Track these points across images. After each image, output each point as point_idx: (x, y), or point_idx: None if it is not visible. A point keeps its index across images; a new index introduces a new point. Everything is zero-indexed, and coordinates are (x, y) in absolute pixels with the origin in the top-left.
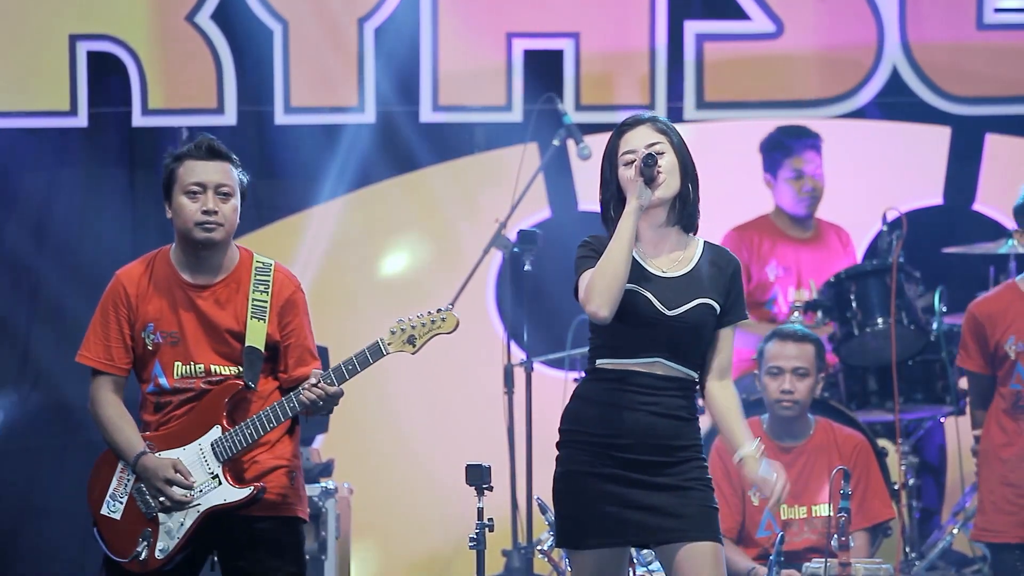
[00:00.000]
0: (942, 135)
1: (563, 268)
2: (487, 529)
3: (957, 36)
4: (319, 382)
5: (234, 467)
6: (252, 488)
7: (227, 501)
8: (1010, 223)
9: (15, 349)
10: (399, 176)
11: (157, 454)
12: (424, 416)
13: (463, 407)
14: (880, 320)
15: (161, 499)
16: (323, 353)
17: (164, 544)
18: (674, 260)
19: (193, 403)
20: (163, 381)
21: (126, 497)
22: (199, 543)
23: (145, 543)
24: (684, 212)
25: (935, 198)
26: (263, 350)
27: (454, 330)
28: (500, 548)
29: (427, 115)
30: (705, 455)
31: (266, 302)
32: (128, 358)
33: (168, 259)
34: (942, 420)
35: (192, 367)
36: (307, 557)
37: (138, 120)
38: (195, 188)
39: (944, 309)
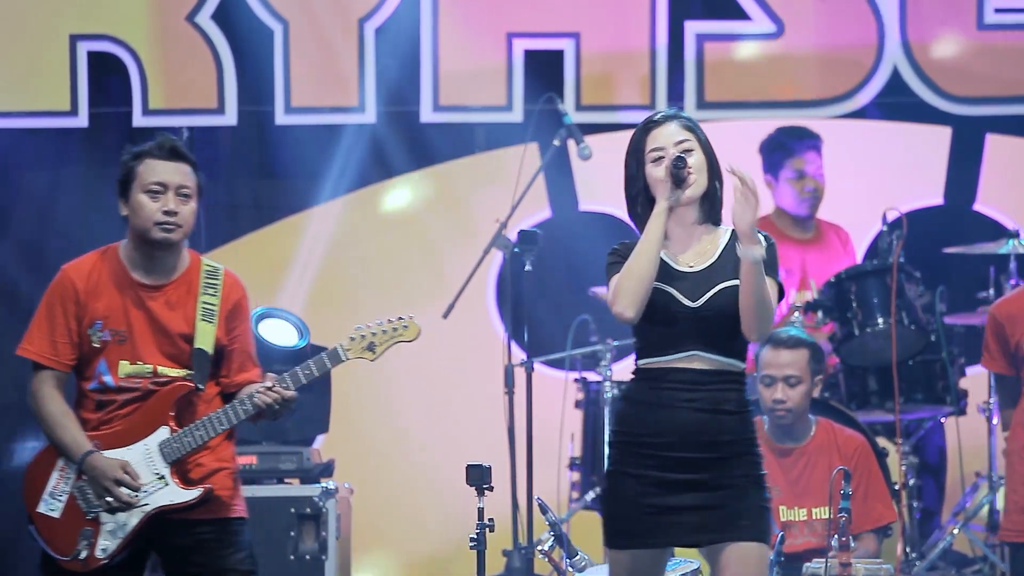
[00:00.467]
0: (942, 135)
1: (563, 268)
2: (488, 529)
3: (958, 36)
4: (275, 386)
5: (180, 468)
6: (201, 489)
7: (175, 502)
8: (1011, 223)
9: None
10: (399, 176)
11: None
12: (424, 416)
13: (463, 407)
14: (880, 320)
15: (108, 499)
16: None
17: (106, 544)
18: (700, 254)
19: (139, 403)
20: (108, 379)
21: (66, 495)
22: (139, 543)
23: (86, 542)
24: (712, 209)
25: (935, 198)
26: (211, 353)
27: (415, 339)
28: (501, 548)
29: (427, 115)
30: (758, 450)
31: (215, 305)
32: (73, 354)
33: (118, 257)
34: (942, 420)
35: (140, 367)
36: (308, 558)
37: (139, 120)
38: (156, 188)
39: (944, 309)
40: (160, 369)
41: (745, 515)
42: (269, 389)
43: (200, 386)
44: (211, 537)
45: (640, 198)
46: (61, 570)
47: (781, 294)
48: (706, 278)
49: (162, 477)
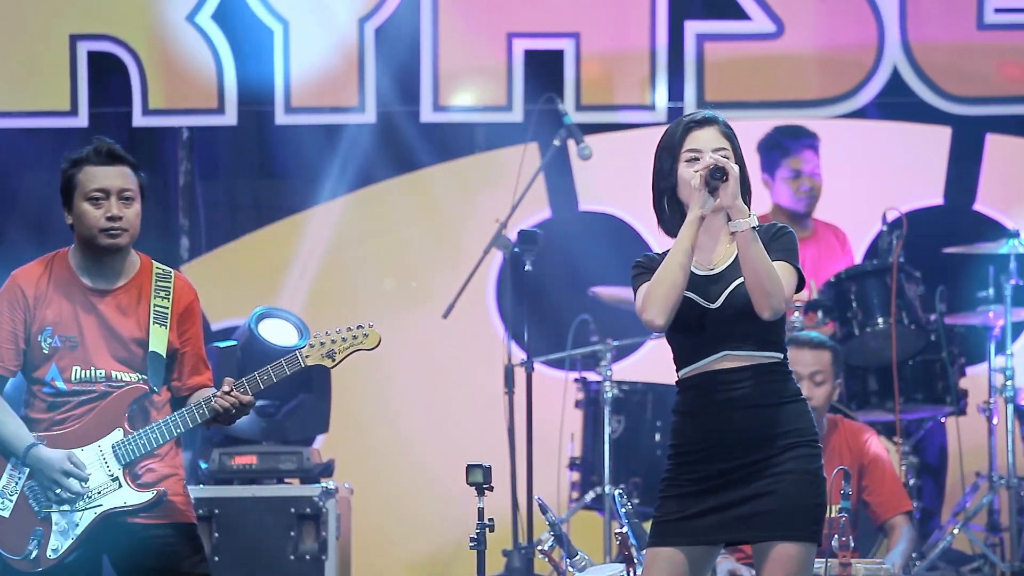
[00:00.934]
0: (942, 135)
1: (564, 268)
2: (488, 529)
3: (957, 36)
4: (232, 390)
5: (132, 472)
6: (155, 492)
7: (128, 504)
8: (1011, 223)
9: None
10: (399, 176)
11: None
12: (424, 416)
13: (463, 407)
14: (880, 320)
15: (58, 491)
16: None
17: (57, 544)
18: (721, 255)
19: (94, 404)
20: (60, 384)
21: (16, 495)
22: (91, 547)
23: (36, 542)
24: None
25: (935, 198)
26: (164, 356)
27: (376, 347)
28: (501, 548)
29: (427, 115)
30: (813, 442)
31: (167, 308)
32: (18, 361)
33: (67, 262)
34: (942, 420)
35: (92, 372)
36: (308, 558)
37: (139, 120)
38: (98, 194)
39: (944, 309)
40: (113, 374)
41: (791, 513)
42: (227, 394)
43: (155, 389)
44: (164, 542)
45: (667, 195)
46: (14, 571)
47: (801, 282)
48: (723, 278)
49: (116, 479)
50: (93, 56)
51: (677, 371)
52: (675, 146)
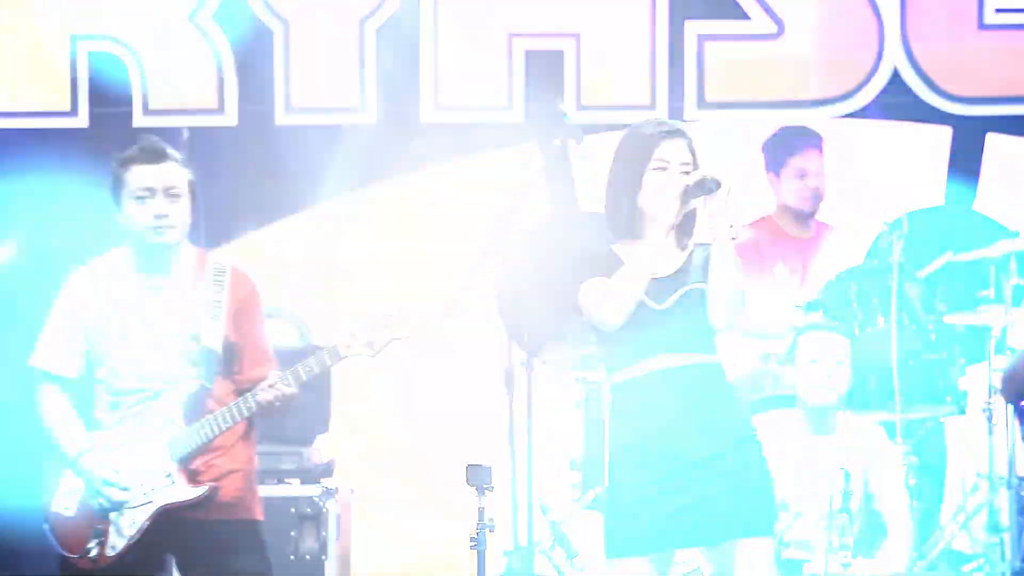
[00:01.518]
0: (943, 135)
1: (564, 268)
2: (488, 529)
3: (957, 36)
4: (276, 383)
5: (190, 468)
6: (206, 487)
7: (179, 500)
8: (1011, 223)
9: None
10: (400, 176)
11: (109, 452)
12: (424, 416)
13: (463, 407)
14: (881, 320)
15: (100, 500)
16: None
17: (115, 542)
18: (670, 260)
19: (149, 402)
20: (118, 383)
21: (79, 494)
22: (153, 544)
23: (97, 540)
24: (689, 227)
25: (935, 198)
26: (219, 351)
27: (412, 335)
28: (501, 549)
29: (427, 115)
30: (755, 436)
31: (221, 302)
32: (79, 362)
33: (122, 260)
34: (943, 420)
35: (148, 369)
36: (308, 558)
37: (139, 120)
38: (144, 193)
39: (944, 309)
40: (169, 370)
41: (748, 511)
42: (271, 387)
43: (207, 384)
44: (222, 538)
45: (627, 197)
46: (76, 569)
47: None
48: (672, 281)
49: (170, 476)
50: (93, 56)
51: (611, 373)
52: (646, 153)
